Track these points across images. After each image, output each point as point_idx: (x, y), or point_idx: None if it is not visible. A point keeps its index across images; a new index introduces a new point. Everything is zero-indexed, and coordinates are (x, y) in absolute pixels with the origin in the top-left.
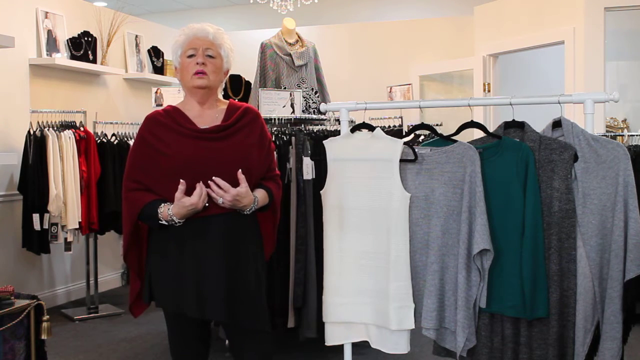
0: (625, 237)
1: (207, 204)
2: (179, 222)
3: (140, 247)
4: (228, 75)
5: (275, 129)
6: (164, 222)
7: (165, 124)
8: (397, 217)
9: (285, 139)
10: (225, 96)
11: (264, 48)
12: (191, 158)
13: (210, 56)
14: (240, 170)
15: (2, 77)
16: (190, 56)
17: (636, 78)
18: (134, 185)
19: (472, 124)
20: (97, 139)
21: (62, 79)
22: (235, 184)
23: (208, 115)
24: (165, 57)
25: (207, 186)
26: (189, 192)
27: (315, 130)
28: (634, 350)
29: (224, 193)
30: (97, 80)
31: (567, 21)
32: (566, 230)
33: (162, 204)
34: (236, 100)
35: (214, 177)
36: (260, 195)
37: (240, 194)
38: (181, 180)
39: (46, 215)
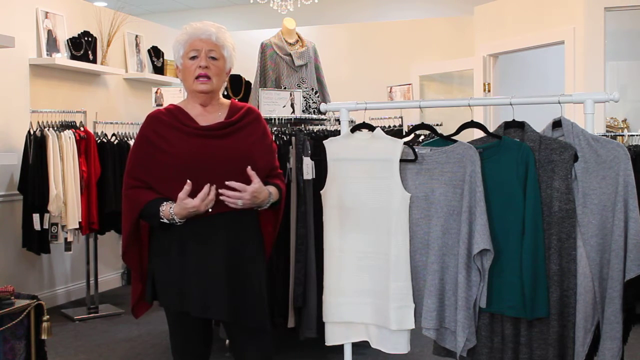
0: (625, 237)
1: (210, 209)
2: (180, 222)
3: (141, 247)
4: (229, 74)
5: (275, 129)
6: (165, 221)
7: (167, 123)
8: (397, 217)
9: (285, 139)
10: (225, 96)
11: (264, 48)
12: (194, 156)
13: (213, 58)
14: (249, 167)
15: (2, 77)
16: (193, 58)
17: (636, 78)
18: (134, 183)
19: (472, 124)
20: (97, 139)
21: (62, 79)
22: (239, 181)
23: (210, 114)
24: (165, 57)
25: (214, 186)
26: (193, 191)
27: (315, 130)
28: (634, 350)
29: (242, 194)
30: (97, 80)
31: (567, 21)
32: (566, 230)
33: (164, 202)
34: (236, 100)
35: (227, 182)
36: (273, 190)
37: (257, 190)
38: (188, 181)
39: (46, 215)
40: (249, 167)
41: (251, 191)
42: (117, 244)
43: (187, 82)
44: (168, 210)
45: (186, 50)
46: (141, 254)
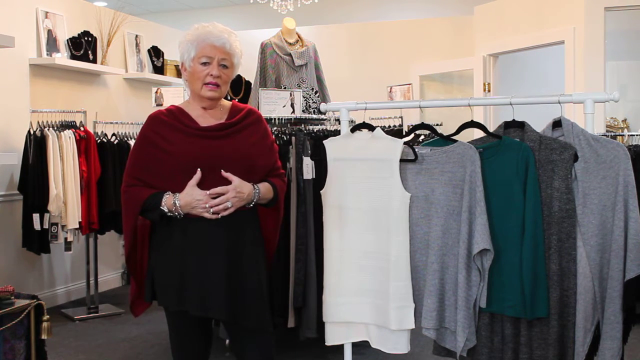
0: (625, 237)
1: (211, 213)
2: (180, 214)
3: (141, 247)
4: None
5: (275, 129)
6: (165, 210)
7: (168, 123)
8: (397, 217)
9: (285, 139)
10: (225, 97)
11: (264, 48)
12: (195, 156)
13: (224, 66)
14: (222, 170)
15: (2, 77)
16: (204, 63)
17: (636, 78)
18: (134, 181)
19: (472, 124)
20: (97, 138)
21: (62, 79)
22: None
23: (211, 115)
24: (165, 57)
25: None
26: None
27: (315, 130)
28: (634, 350)
29: (226, 195)
30: (97, 80)
31: (567, 21)
32: (566, 230)
33: (167, 193)
34: (236, 100)
35: (208, 192)
36: (262, 186)
37: (238, 186)
38: (198, 170)
39: (46, 215)
40: (222, 171)
41: (232, 189)
42: (117, 243)
43: (194, 85)
44: (172, 199)
45: (197, 54)
46: (142, 253)
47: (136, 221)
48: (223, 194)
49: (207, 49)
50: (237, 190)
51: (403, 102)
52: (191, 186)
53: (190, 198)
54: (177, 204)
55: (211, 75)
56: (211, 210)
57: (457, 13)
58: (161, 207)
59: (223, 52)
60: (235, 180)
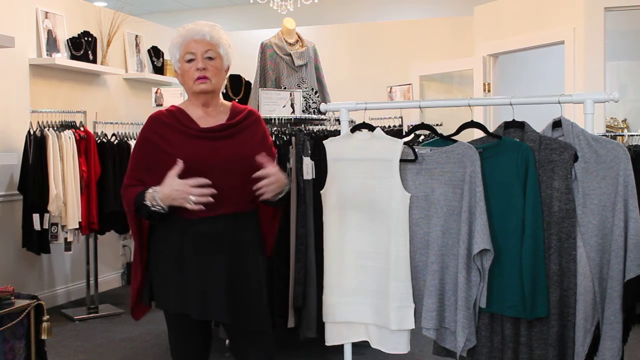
0: (625, 237)
1: (192, 204)
2: (161, 208)
3: (142, 248)
4: (229, 72)
5: (275, 129)
6: (147, 204)
7: (169, 124)
8: (397, 217)
9: (285, 139)
10: (226, 96)
11: (264, 48)
12: (196, 157)
13: (210, 58)
14: (257, 156)
15: (2, 77)
16: (190, 60)
17: (636, 78)
18: (133, 182)
19: (472, 124)
20: (97, 139)
21: (62, 79)
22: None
23: (211, 116)
24: (165, 57)
25: (213, 190)
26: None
27: (315, 130)
28: (634, 350)
29: (270, 179)
30: (97, 80)
31: (567, 21)
32: (566, 230)
33: (151, 187)
34: (236, 100)
35: (189, 181)
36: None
37: (276, 172)
38: (178, 160)
39: (46, 215)
40: (257, 156)
41: (274, 172)
42: (117, 244)
43: (187, 84)
44: (152, 193)
45: (182, 54)
46: (142, 254)
47: (137, 221)
48: (204, 184)
49: (190, 45)
50: (277, 176)
51: (403, 102)
52: (170, 177)
53: (169, 189)
54: (156, 197)
55: (197, 69)
56: (192, 200)
57: (457, 13)
58: (144, 202)
59: (205, 44)
60: (272, 166)
